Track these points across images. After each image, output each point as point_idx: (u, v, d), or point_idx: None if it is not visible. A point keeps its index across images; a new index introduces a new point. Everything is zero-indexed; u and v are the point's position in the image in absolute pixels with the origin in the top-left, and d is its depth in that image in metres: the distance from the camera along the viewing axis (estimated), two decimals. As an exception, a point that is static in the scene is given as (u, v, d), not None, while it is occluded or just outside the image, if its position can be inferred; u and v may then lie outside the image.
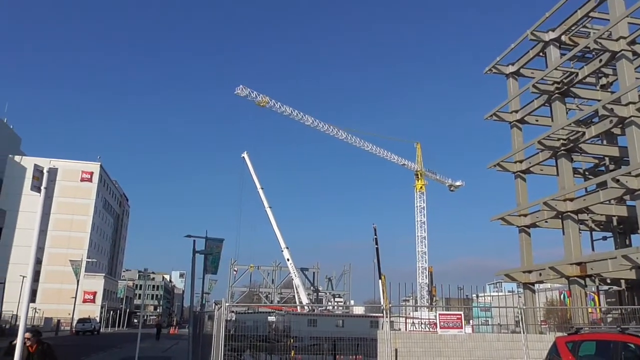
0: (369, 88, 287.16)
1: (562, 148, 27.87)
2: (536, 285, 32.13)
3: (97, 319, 73.48)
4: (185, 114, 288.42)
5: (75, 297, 64.45)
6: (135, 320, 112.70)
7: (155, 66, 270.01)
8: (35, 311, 68.24)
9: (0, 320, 53.36)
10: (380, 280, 75.14)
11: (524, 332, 16.03)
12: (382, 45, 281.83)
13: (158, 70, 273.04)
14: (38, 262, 77.38)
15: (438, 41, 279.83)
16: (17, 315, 57.22)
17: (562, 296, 71.68)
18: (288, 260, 73.28)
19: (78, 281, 64.28)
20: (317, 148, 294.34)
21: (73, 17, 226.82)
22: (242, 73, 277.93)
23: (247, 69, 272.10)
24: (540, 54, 30.73)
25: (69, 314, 66.63)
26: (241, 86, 74.05)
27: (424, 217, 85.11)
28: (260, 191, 74.10)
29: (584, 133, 26.98)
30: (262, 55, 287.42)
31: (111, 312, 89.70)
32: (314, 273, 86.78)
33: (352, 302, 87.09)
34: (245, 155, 76.66)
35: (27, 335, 9.80)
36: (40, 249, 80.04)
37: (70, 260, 67.96)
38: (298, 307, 60.06)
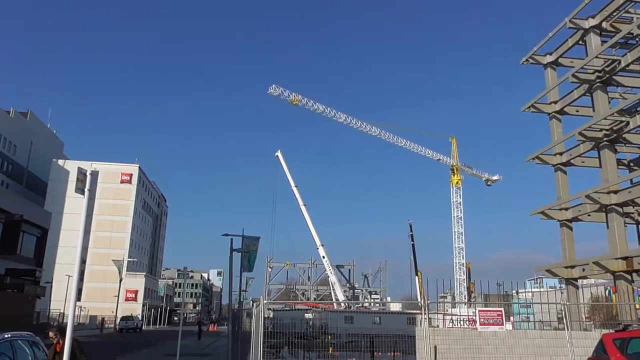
0: (401, 82, 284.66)
1: (605, 139, 26.89)
2: (579, 281, 31.17)
3: (139, 317, 75.63)
4: (217, 115, 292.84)
5: (118, 296, 66.43)
6: (176, 318, 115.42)
7: (185, 70, 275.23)
8: (81, 309, 70.74)
9: (48, 319, 55.51)
10: (416, 277, 74.63)
11: (568, 329, 15.58)
12: (414, 39, 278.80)
13: (187, 74, 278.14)
14: (82, 262, 79.87)
15: (472, 32, 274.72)
16: (64, 313, 59.52)
17: (607, 292, 69.42)
18: (323, 257, 73.38)
19: (120, 280, 66.24)
20: (349, 145, 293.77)
21: (102, 24, 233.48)
22: (271, 74, 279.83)
23: (276, 70, 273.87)
24: (580, 42, 29.67)
25: (112, 312, 68.75)
26: (274, 85, 74.54)
27: (461, 212, 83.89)
28: (295, 189, 74.43)
29: (628, 123, 25.95)
30: (292, 53, 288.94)
31: (152, 310, 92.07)
32: (349, 270, 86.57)
33: (388, 298, 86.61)
34: (279, 153, 77.15)
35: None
36: (84, 249, 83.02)
37: (113, 260, 70.10)
38: (334, 304, 60.16)
